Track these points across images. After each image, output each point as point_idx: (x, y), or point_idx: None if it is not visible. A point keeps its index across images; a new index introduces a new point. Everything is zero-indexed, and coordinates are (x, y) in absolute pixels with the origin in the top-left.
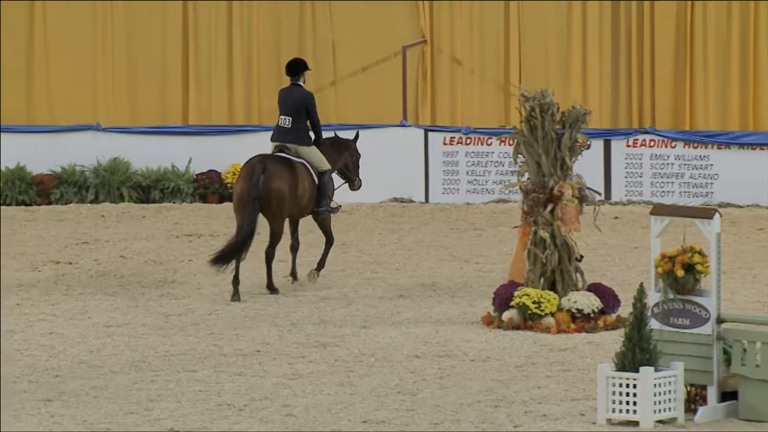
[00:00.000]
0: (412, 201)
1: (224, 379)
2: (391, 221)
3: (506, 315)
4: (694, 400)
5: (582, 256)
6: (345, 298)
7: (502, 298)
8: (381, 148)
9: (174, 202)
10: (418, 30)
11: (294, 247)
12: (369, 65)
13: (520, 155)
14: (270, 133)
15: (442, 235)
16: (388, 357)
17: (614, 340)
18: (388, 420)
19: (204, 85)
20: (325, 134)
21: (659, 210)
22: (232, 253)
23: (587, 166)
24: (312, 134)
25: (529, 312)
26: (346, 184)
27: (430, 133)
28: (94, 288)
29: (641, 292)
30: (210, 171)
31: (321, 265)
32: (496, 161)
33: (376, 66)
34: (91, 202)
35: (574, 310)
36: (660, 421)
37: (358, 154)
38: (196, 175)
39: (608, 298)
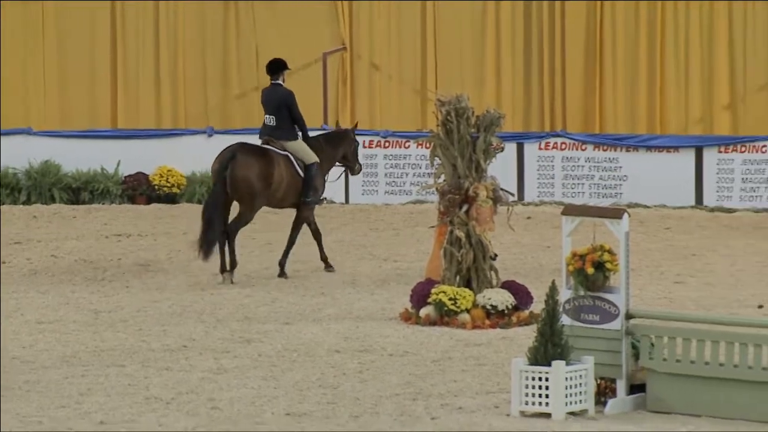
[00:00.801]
0: (333, 202)
1: (152, 373)
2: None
3: (423, 311)
4: (604, 392)
5: (496, 255)
6: (269, 296)
7: (420, 295)
8: None
9: (103, 203)
10: (338, 37)
11: (315, 235)
12: (291, 71)
13: (436, 158)
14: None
15: (362, 234)
16: (310, 352)
17: (527, 336)
18: (309, 412)
19: (132, 91)
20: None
21: (570, 210)
22: (204, 240)
23: (501, 168)
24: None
25: (446, 308)
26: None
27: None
28: (27, 286)
29: (553, 289)
30: (138, 173)
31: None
32: (414, 163)
33: (298, 72)
34: (24, 203)
35: (488, 307)
36: (571, 413)
37: (356, 142)
38: (125, 177)
39: (521, 295)
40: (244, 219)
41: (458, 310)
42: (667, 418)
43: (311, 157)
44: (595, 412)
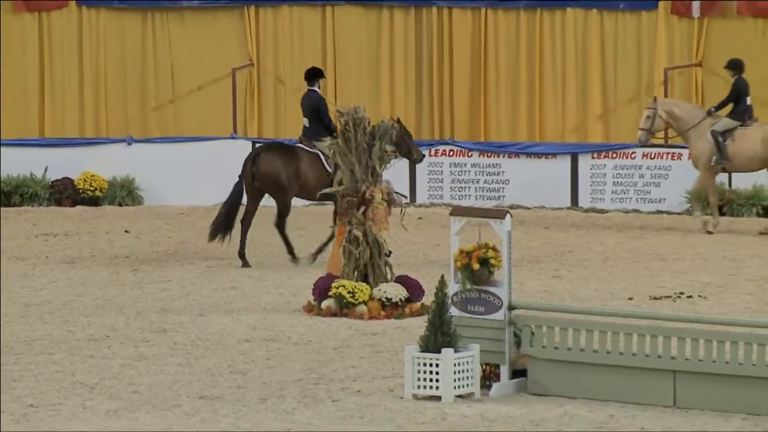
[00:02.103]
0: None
1: (78, 360)
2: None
3: (325, 304)
4: (489, 377)
5: (390, 252)
6: (184, 289)
7: (321, 289)
8: (214, 158)
9: (32, 206)
10: (246, 54)
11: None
12: (203, 85)
13: (336, 164)
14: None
15: (269, 233)
16: (222, 341)
17: (419, 326)
18: (221, 396)
19: (58, 102)
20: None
21: (458, 211)
22: (219, 223)
23: (395, 173)
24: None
25: (345, 301)
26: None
27: (257, 145)
28: None
29: (442, 283)
30: (64, 178)
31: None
32: None
33: (210, 86)
34: None
35: (384, 299)
36: (459, 396)
37: (403, 134)
38: (52, 181)
39: (413, 288)
40: (284, 212)
41: (356, 303)
42: (546, 400)
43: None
44: (480, 395)
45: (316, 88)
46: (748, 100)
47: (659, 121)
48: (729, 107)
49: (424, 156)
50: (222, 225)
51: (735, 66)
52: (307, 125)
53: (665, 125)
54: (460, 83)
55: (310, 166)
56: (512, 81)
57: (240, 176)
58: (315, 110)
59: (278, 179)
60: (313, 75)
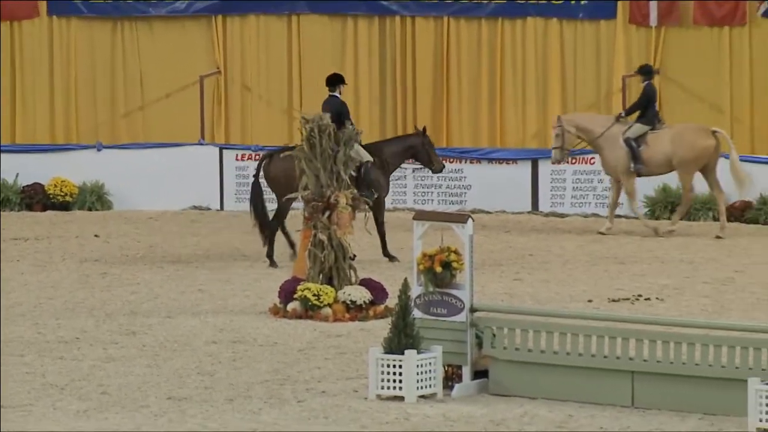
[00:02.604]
0: (209, 209)
1: (48, 362)
2: (191, 226)
3: (290, 306)
4: (452, 378)
5: (355, 256)
6: (152, 292)
7: (287, 292)
8: (182, 164)
9: (3, 211)
10: (213, 62)
11: (377, 224)
12: (171, 92)
13: (301, 169)
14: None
15: (236, 237)
16: (189, 343)
17: (383, 327)
18: (189, 396)
19: (29, 109)
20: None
21: (421, 216)
22: (260, 227)
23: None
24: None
25: (310, 303)
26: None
27: (224, 151)
28: None
29: (406, 286)
30: (35, 183)
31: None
32: None
33: (178, 93)
34: None
35: (348, 302)
36: (422, 396)
37: (424, 144)
38: (23, 187)
39: (377, 291)
40: (281, 212)
41: (321, 305)
42: (507, 401)
43: (364, 156)
44: (443, 396)
45: (336, 94)
46: (656, 105)
47: (569, 137)
48: (638, 112)
49: (443, 166)
50: (263, 226)
51: (645, 71)
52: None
53: (577, 139)
54: (422, 91)
55: None
56: (474, 88)
57: (255, 176)
58: (336, 115)
59: (285, 182)
60: (335, 81)
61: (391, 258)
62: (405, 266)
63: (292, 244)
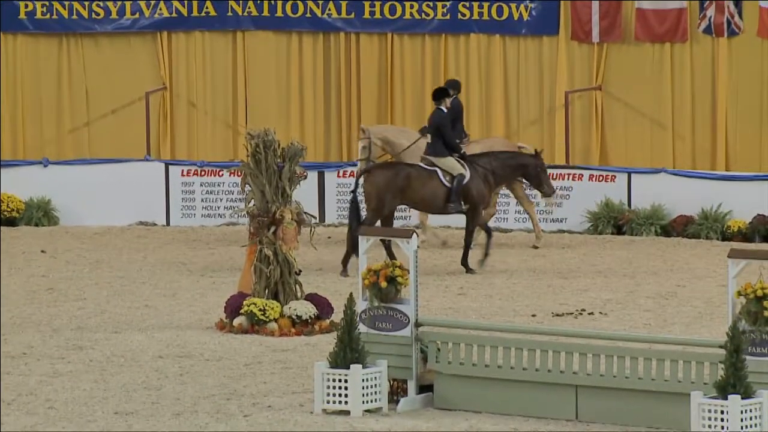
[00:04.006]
0: (155, 224)
1: None
2: (137, 242)
3: (236, 321)
4: (397, 392)
5: (300, 271)
6: (98, 308)
7: (233, 307)
8: (128, 179)
9: None
10: (158, 78)
11: (466, 233)
12: (117, 108)
13: (247, 185)
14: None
15: (182, 253)
16: (136, 358)
17: (328, 342)
18: (136, 411)
19: None
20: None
21: (366, 231)
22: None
23: (304, 194)
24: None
25: (256, 318)
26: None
27: (170, 166)
28: None
29: (351, 301)
30: None
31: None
32: (227, 190)
33: (124, 109)
34: None
35: (294, 317)
36: (368, 411)
37: (537, 166)
38: None
39: (323, 306)
40: (366, 221)
41: (267, 320)
42: (453, 415)
43: (456, 170)
44: (388, 410)
45: (442, 107)
46: (463, 120)
47: (376, 149)
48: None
49: (555, 191)
50: (353, 238)
51: (452, 86)
52: (430, 141)
53: (382, 151)
54: (367, 107)
55: (421, 182)
56: (418, 104)
57: (352, 191)
58: (437, 127)
59: (372, 198)
60: (440, 94)
61: (468, 269)
62: (350, 281)
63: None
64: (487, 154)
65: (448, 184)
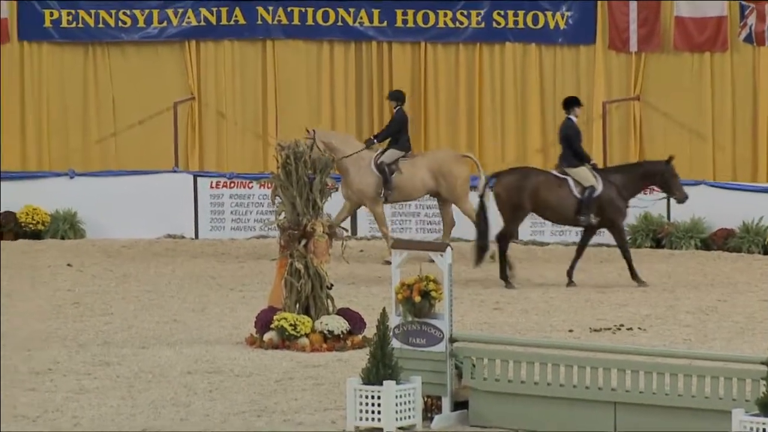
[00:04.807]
0: (183, 237)
1: (19, 394)
2: (165, 255)
3: (267, 336)
4: (431, 409)
5: (332, 285)
6: (126, 322)
7: (263, 322)
8: (156, 191)
9: None
10: (187, 88)
11: (622, 251)
12: (144, 118)
13: (277, 197)
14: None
15: (211, 266)
16: (164, 374)
17: (361, 358)
18: (164, 429)
19: None
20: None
21: (400, 244)
22: (476, 249)
23: (335, 206)
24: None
25: (287, 333)
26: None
27: (198, 178)
28: None
29: (384, 316)
30: (6, 212)
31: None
32: (257, 202)
33: (151, 119)
34: None
35: (325, 332)
36: (401, 428)
37: (668, 173)
38: None
39: (355, 320)
40: (505, 230)
41: (298, 335)
42: None
43: (588, 181)
44: (422, 427)
45: (572, 116)
46: (408, 131)
47: (316, 151)
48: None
49: (687, 196)
50: (479, 246)
51: (396, 97)
52: (561, 151)
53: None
54: None
55: (551, 190)
56: (452, 116)
57: (480, 196)
58: (566, 137)
59: (504, 203)
60: (570, 103)
61: (640, 282)
62: (383, 296)
63: (510, 266)
64: (616, 167)
65: (578, 195)
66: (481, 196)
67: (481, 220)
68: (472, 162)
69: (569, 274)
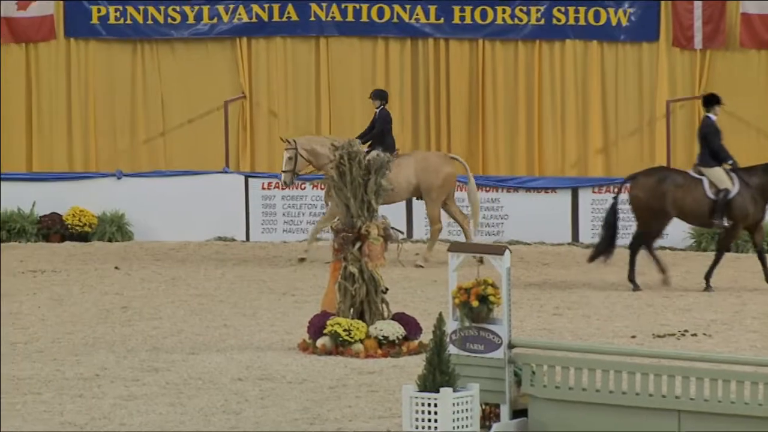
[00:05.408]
0: (234, 240)
1: (66, 400)
2: (215, 257)
3: (320, 342)
4: (489, 417)
5: (387, 289)
6: (175, 327)
7: (316, 327)
8: (206, 193)
9: (20, 242)
10: (238, 86)
11: (758, 254)
12: (194, 118)
13: (331, 198)
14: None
15: (262, 270)
16: (214, 380)
17: (417, 364)
18: None
19: (45, 136)
20: None
21: (456, 247)
22: (598, 248)
23: (391, 208)
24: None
25: (341, 339)
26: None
27: (250, 179)
28: None
29: (440, 321)
30: (52, 213)
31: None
32: (310, 204)
33: (201, 119)
34: None
35: (380, 337)
36: None
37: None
38: (40, 217)
39: (411, 326)
40: (642, 233)
41: (352, 341)
42: None
43: (723, 183)
44: None
45: (711, 115)
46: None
47: (302, 161)
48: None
49: None
50: (602, 245)
51: (379, 96)
52: (699, 151)
53: (307, 163)
54: (457, 117)
55: (686, 191)
56: (511, 114)
57: (614, 197)
58: (704, 136)
59: (639, 204)
60: (710, 101)
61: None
62: (440, 300)
63: (662, 269)
64: (755, 168)
65: (712, 197)
66: (615, 198)
67: (610, 224)
68: (460, 164)
69: (707, 278)
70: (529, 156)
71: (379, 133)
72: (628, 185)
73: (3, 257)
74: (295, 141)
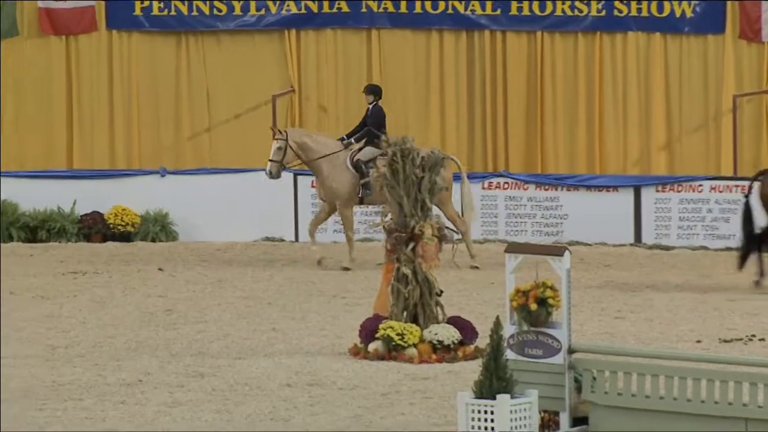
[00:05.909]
0: (282, 240)
1: (108, 407)
2: (263, 258)
3: (372, 346)
4: (548, 425)
5: (442, 291)
6: (221, 331)
7: (368, 331)
8: (253, 191)
9: (60, 242)
10: (286, 80)
11: None
12: (241, 113)
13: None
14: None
15: (311, 271)
16: (262, 386)
17: (473, 370)
18: None
19: (86, 132)
20: None
21: (513, 248)
22: (743, 252)
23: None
24: None
25: (393, 343)
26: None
27: (299, 177)
28: None
29: (497, 325)
30: (93, 212)
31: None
32: None
33: (248, 113)
34: None
35: (435, 342)
36: None
37: None
38: (81, 216)
39: (467, 330)
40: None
41: (405, 345)
42: None
43: None
44: None
45: None
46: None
47: (291, 153)
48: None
49: None
50: (745, 248)
51: (373, 91)
52: None
53: (295, 156)
54: (515, 111)
55: None
56: (570, 109)
57: (745, 196)
58: None
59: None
60: None
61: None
62: (497, 303)
63: (763, 272)
64: None
65: None
66: (746, 196)
67: (746, 223)
68: (454, 162)
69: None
70: (589, 153)
71: (371, 130)
72: (757, 183)
73: (44, 258)
74: (286, 132)
